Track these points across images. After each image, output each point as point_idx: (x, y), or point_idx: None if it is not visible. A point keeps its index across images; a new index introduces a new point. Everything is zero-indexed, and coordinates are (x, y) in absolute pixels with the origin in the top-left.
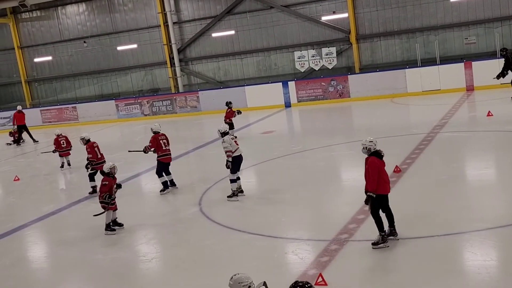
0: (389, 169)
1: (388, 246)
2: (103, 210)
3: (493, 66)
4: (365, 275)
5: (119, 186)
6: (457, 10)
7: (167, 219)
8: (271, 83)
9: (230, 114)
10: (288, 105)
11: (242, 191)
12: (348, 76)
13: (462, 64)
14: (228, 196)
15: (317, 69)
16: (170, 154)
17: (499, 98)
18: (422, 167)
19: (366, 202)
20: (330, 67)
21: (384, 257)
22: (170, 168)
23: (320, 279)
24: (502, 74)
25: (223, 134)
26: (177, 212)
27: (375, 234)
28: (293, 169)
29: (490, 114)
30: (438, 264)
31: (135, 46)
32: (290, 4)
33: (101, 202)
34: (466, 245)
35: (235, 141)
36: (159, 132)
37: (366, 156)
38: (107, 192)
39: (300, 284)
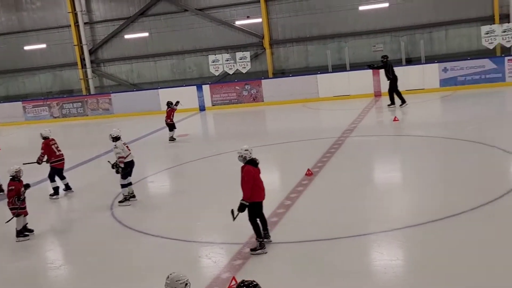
0: (301, 172)
1: (266, 252)
2: (13, 216)
3: (399, 73)
4: (278, 277)
5: (27, 186)
6: (365, 18)
7: (77, 225)
8: (185, 86)
9: (170, 114)
10: (202, 108)
11: (134, 196)
12: (262, 80)
13: (370, 71)
14: (119, 202)
15: (231, 73)
16: (63, 159)
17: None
18: (332, 170)
19: (240, 210)
20: (244, 71)
21: (300, 258)
22: (81, 171)
23: (233, 282)
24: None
25: (115, 139)
26: (87, 217)
27: (290, 235)
28: (207, 172)
29: (396, 119)
30: (345, 265)
31: (44, 46)
32: (204, 8)
33: (11, 209)
34: (374, 245)
35: (127, 147)
36: (49, 138)
37: (242, 164)
38: (15, 196)
39: (246, 283)
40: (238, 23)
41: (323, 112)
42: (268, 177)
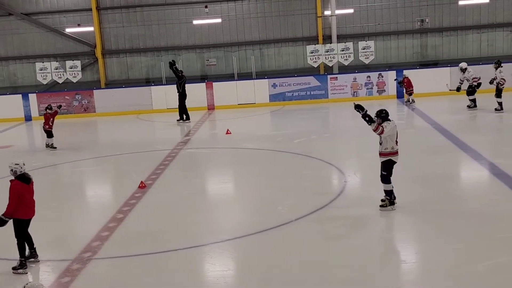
0: (134, 184)
1: (26, 273)
2: None
3: (231, 87)
4: None
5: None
6: (199, 32)
7: None
8: (9, 94)
9: (49, 119)
10: (28, 118)
11: None
12: (94, 90)
13: (204, 84)
14: None
15: (60, 82)
16: None
17: (236, 118)
18: (166, 182)
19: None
20: (74, 80)
21: (130, 273)
22: None
23: None
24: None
25: None
26: None
27: (120, 250)
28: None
29: (228, 132)
30: (177, 277)
31: None
32: (31, 13)
33: None
34: (207, 257)
35: None
36: None
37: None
38: None
39: None
40: (68, 30)
41: (157, 124)
42: (100, 190)
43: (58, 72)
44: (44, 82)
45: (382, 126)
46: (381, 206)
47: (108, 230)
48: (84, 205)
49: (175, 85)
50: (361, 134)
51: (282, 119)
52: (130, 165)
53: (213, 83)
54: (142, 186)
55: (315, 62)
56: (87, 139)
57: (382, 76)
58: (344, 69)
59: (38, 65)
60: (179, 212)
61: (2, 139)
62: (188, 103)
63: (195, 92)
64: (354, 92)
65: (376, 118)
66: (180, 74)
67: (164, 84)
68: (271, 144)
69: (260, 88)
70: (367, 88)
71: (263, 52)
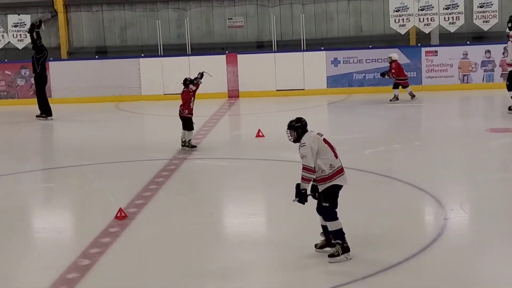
0: (109, 213)
1: None
2: None
3: (266, 63)
4: None
5: None
6: None
7: None
8: None
9: (189, 100)
10: None
11: None
12: (50, 63)
13: (224, 57)
14: None
15: None
16: None
17: (272, 112)
18: (158, 211)
19: None
20: (20, 46)
21: None
22: None
23: None
24: None
25: None
26: None
27: None
28: None
29: (260, 134)
30: None
31: None
32: None
33: None
34: None
35: None
36: None
37: None
38: None
39: None
40: None
41: (148, 118)
42: (54, 220)
43: None
44: None
45: (302, 167)
46: (330, 256)
47: (66, 284)
48: (28, 244)
49: (174, 57)
50: (472, 145)
51: (346, 115)
52: (103, 182)
53: (238, 55)
54: (121, 216)
55: (402, 26)
56: (36, 140)
57: None
58: (448, 39)
59: None
60: (176, 260)
61: None
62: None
63: (210, 69)
64: (464, 75)
65: (288, 131)
66: (39, 45)
67: (161, 56)
68: None
69: (313, 66)
70: (484, 71)
71: (319, 8)
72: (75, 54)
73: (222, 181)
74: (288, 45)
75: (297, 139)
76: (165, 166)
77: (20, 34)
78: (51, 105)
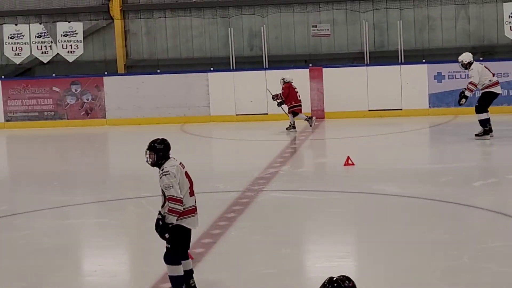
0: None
1: None
2: None
3: (356, 77)
4: None
5: None
6: None
7: None
8: None
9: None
10: None
11: None
12: (104, 78)
13: (307, 70)
14: None
15: (45, 61)
16: None
17: (363, 136)
18: (230, 252)
19: None
20: (71, 58)
21: None
22: None
23: None
24: None
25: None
26: None
27: None
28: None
29: (349, 162)
30: None
31: None
32: None
33: None
34: None
35: None
36: None
37: None
38: None
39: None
40: None
41: (219, 142)
42: (111, 261)
43: (42, 42)
44: (17, 61)
45: (169, 197)
46: None
47: None
48: (77, 284)
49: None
50: None
51: (452, 140)
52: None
53: (323, 69)
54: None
55: None
56: (87, 168)
57: None
58: None
59: (7, 29)
60: None
61: None
62: (273, 106)
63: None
64: None
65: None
66: None
67: (233, 70)
68: (432, 188)
69: (413, 82)
70: None
71: (419, 14)
72: (134, 68)
73: (304, 218)
74: (383, 57)
75: (155, 164)
76: (236, 199)
77: (71, 45)
78: (108, 127)
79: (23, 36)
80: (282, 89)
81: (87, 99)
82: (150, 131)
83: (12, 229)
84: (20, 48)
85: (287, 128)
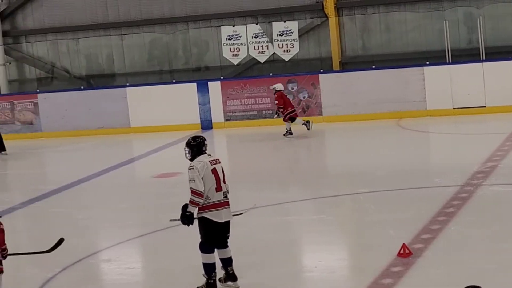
0: (392, 248)
1: None
2: None
3: None
4: None
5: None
6: None
7: None
8: (176, 83)
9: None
10: (207, 125)
11: None
12: (320, 75)
13: None
14: None
15: (262, 61)
16: None
17: None
18: (449, 248)
19: None
20: (287, 57)
21: None
22: None
23: None
24: None
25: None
26: None
27: None
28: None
29: None
30: None
31: None
32: None
33: None
34: None
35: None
36: None
37: None
38: None
39: None
40: None
41: (436, 137)
42: (329, 256)
43: (258, 42)
44: (235, 62)
45: (191, 190)
46: None
47: None
48: (297, 286)
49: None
50: None
51: None
52: (382, 213)
53: None
54: (405, 254)
55: None
56: (304, 165)
57: None
58: None
59: (225, 30)
60: None
61: (161, 161)
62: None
63: (505, 77)
64: None
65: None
66: None
67: (449, 63)
68: None
69: None
70: None
71: None
72: (349, 64)
73: None
74: None
75: (193, 158)
76: (456, 194)
77: (287, 44)
78: (321, 123)
79: (240, 37)
80: (275, 99)
81: (304, 97)
82: (366, 127)
83: (233, 226)
84: (237, 49)
85: (284, 135)
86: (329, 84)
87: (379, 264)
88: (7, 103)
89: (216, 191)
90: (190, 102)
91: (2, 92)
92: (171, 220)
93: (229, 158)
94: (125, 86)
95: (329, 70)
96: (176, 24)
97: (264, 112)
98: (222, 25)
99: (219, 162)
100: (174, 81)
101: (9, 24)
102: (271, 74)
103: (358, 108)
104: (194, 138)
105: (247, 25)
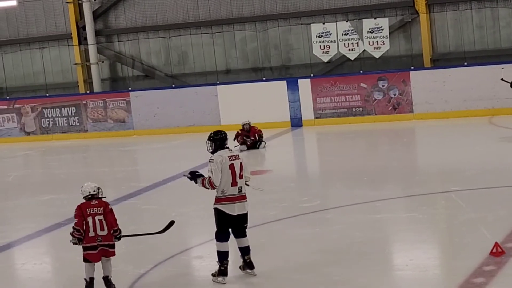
0: (485, 247)
1: None
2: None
3: None
4: None
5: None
6: None
7: None
8: (266, 80)
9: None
10: (297, 123)
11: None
12: (411, 72)
13: None
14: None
15: (353, 58)
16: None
17: None
18: None
19: None
20: (377, 54)
21: None
22: None
23: None
24: None
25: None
26: None
27: None
28: (304, 242)
29: None
30: None
31: (13, 3)
32: None
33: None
34: None
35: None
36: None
37: None
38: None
39: None
40: None
41: None
42: (421, 255)
43: (348, 39)
44: (325, 59)
45: (208, 177)
46: (212, 275)
47: None
48: (387, 282)
49: None
50: None
51: None
52: (475, 211)
53: None
54: (498, 252)
55: None
56: (395, 163)
57: None
58: None
59: (315, 28)
60: None
61: (253, 159)
62: None
63: None
64: None
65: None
66: None
67: None
68: None
69: None
70: None
71: None
72: (440, 61)
73: None
74: None
75: (214, 152)
76: None
77: (377, 41)
78: (412, 121)
79: (330, 34)
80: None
81: (394, 94)
82: (458, 125)
83: (324, 224)
84: (327, 46)
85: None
86: (420, 81)
87: (471, 263)
88: (100, 101)
89: (232, 186)
90: (280, 99)
91: (95, 91)
92: (184, 175)
93: (319, 155)
94: (215, 84)
95: (420, 67)
96: (267, 22)
97: (354, 109)
98: (312, 23)
99: (238, 158)
100: (264, 78)
101: (102, 23)
102: (361, 71)
103: (449, 106)
104: (216, 132)
105: (337, 22)
